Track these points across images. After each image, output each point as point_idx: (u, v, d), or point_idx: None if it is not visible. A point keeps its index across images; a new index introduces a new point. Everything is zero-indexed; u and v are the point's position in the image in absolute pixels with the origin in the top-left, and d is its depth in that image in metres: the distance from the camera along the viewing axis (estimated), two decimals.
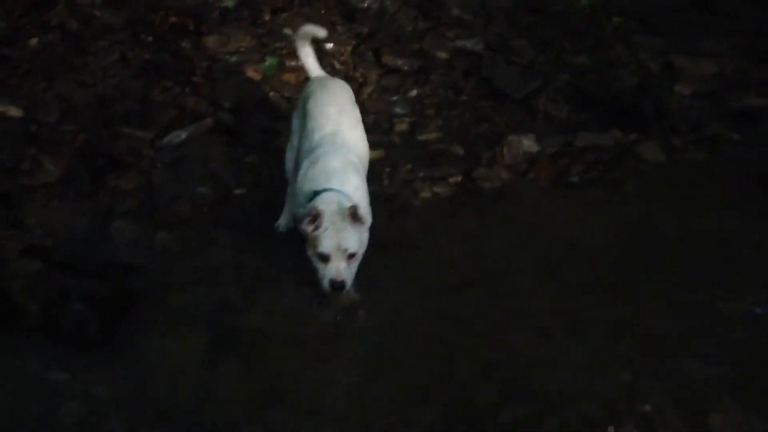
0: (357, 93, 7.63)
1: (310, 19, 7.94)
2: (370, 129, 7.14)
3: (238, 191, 6.79)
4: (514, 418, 4.84)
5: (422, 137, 7.56)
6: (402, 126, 7.68)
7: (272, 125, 7.57)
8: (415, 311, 5.65)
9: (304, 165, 5.64)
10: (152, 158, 7.10)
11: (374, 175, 6.73)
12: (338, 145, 5.72)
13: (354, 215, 5.22)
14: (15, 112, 7.28)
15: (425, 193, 6.85)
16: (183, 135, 7.34)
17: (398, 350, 5.40)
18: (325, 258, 5.23)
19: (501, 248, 5.78)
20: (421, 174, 7.05)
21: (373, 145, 6.82)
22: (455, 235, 6.32)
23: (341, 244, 5.21)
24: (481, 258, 5.83)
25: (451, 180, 6.99)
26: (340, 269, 5.22)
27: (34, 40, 8.16)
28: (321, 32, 6.50)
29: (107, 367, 5.17)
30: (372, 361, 5.38)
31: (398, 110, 7.81)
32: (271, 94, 7.89)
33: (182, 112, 7.63)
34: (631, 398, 5.03)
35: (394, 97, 7.98)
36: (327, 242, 5.19)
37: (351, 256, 5.27)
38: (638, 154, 7.27)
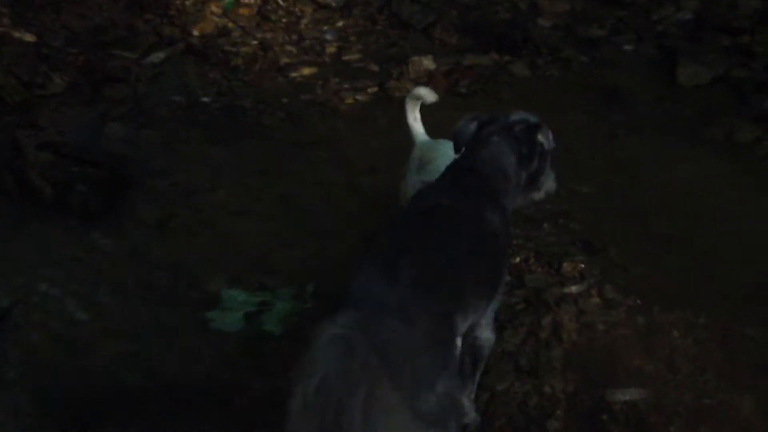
0: (296, 24, 7.61)
1: None
2: (307, 51, 7.15)
3: (204, 99, 6.73)
4: None
5: (347, 57, 7.53)
6: (331, 49, 7.63)
7: (230, 48, 7.53)
8: (340, 186, 5.62)
9: None
10: (137, 74, 7.00)
11: (309, 87, 6.75)
12: None
13: None
14: (30, 37, 7.14)
15: (349, 100, 6.84)
16: (161, 56, 7.29)
17: (322, 212, 5.46)
18: None
19: (406, 141, 5.81)
20: (346, 85, 7.02)
21: (308, 63, 6.82)
22: (372, 132, 6.34)
23: None
24: (392, 149, 5.84)
25: (369, 90, 6.97)
26: None
27: None
28: (431, 97, 4.87)
29: (105, 232, 5.17)
30: (303, 221, 5.42)
31: (328, 37, 7.76)
32: (230, 24, 7.74)
33: (160, 38, 7.56)
34: None
35: (325, 27, 7.91)
36: None
37: None
38: (510, 71, 7.32)
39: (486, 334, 3.52)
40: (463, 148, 3.76)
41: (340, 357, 2.56)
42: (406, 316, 2.80)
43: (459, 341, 3.21)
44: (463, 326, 3.22)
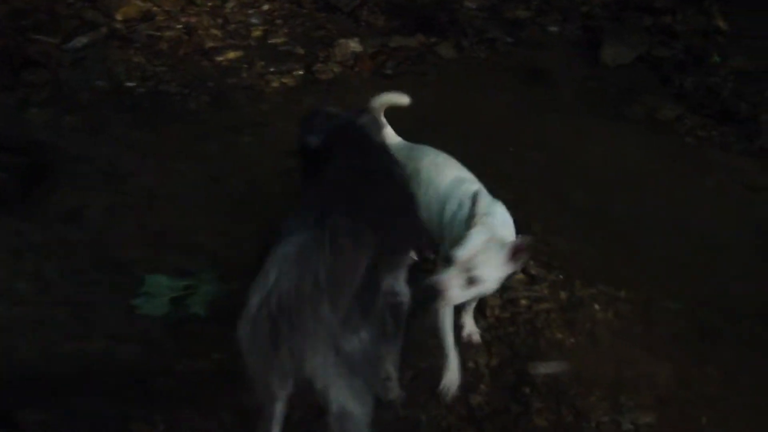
0: (221, 8, 7.58)
1: None
2: (232, 35, 7.12)
3: (128, 84, 6.65)
4: None
5: (273, 41, 7.48)
6: (257, 32, 7.57)
7: (154, 32, 7.43)
8: (266, 169, 5.63)
9: None
10: (59, 59, 6.87)
11: (235, 70, 6.72)
12: None
13: (518, 251, 3.62)
14: None
15: (275, 84, 6.82)
16: (84, 40, 7.15)
17: (248, 195, 5.47)
18: (449, 261, 3.63)
19: None
20: (272, 69, 6.99)
21: (234, 47, 6.81)
22: (298, 115, 6.26)
23: (474, 261, 3.58)
24: None
25: (295, 73, 6.95)
26: (448, 280, 3.58)
27: None
28: (403, 99, 4.52)
29: (25, 219, 5.06)
30: (228, 205, 5.40)
31: (254, 20, 7.70)
32: (154, 8, 7.67)
33: (82, 22, 7.40)
34: None
35: (251, 11, 7.85)
36: (465, 247, 3.61)
37: (473, 280, 3.60)
38: (436, 52, 7.37)
39: (402, 287, 3.62)
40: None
41: (294, 272, 2.76)
42: (340, 250, 2.86)
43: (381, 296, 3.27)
44: (384, 279, 3.34)
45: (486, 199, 3.88)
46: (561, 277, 4.82)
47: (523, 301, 4.59)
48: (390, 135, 4.53)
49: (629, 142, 6.40)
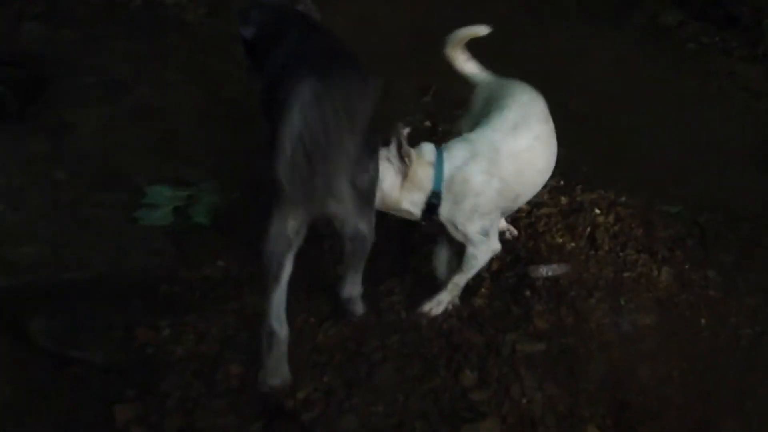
0: None
1: None
2: None
3: None
4: None
5: None
6: None
7: None
8: None
9: None
10: None
11: None
12: None
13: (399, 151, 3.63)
14: None
15: None
16: None
17: (246, 106, 5.26)
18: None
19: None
20: None
21: None
22: None
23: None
24: None
25: None
26: None
27: None
28: (481, 30, 4.24)
29: (29, 133, 5.04)
30: (226, 116, 5.40)
31: None
32: None
33: None
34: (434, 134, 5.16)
35: None
36: None
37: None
38: None
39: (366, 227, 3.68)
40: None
41: (317, 112, 3.04)
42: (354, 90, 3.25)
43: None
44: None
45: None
46: (561, 182, 4.85)
47: (524, 206, 4.59)
48: (476, 72, 4.30)
49: (631, 49, 6.36)
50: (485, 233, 3.83)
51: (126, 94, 5.49)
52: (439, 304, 4.01)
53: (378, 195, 3.59)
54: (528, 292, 4.20)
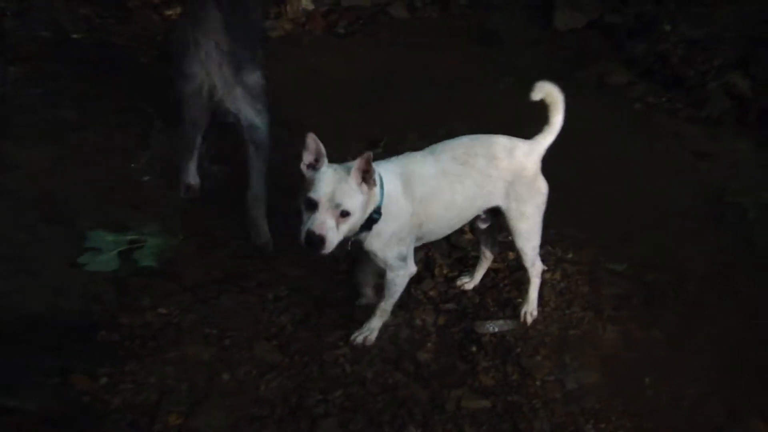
0: None
1: None
2: None
3: (75, 35, 6.49)
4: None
5: None
6: None
7: None
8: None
9: None
10: (3, 8, 6.65)
11: None
12: None
13: (363, 170, 3.50)
14: None
15: None
16: None
17: None
18: (312, 205, 3.52)
19: (286, 81, 5.78)
20: None
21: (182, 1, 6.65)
22: None
23: (336, 195, 3.50)
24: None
25: None
26: (324, 221, 3.48)
27: None
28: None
29: None
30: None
31: None
32: None
33: None
34: None
35: None
36: (320, 188, 3.50)
37: (343, 214, 3.51)
38: (388, 12, 7.33)
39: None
40: None
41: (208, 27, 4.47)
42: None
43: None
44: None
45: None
46: (509, 237, 4.79)
47: (471, 261, 4.57)
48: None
49: (580, 106, 6.34)
50: (402, 258, 3.85)
51: (74, 135, 5.37)
52: (372, 331, 4.07)
53: (357, 218, 3.56)
54: (474, 348, 4.17)
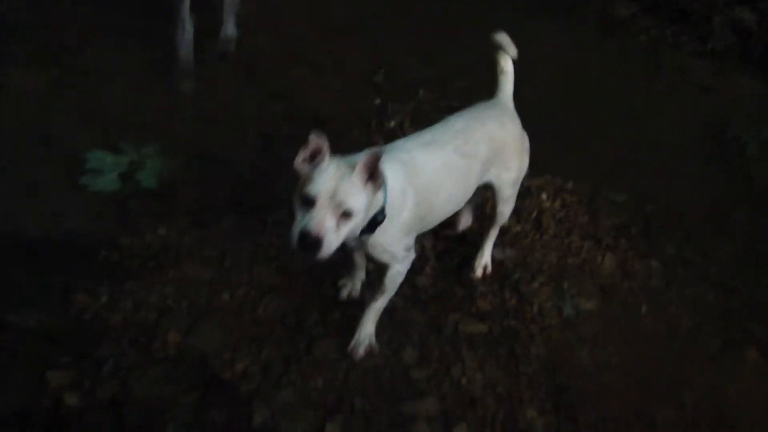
0: None
1: None
2: None
3: None
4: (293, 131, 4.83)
5: None
6: None
7: None
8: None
9: None
10: None
11: None
12: None
13: (370, 168, 3.01)
14: None
15: None
16: None
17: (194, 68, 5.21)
18: (309, 202, 2.99)
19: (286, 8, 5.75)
20: None
21: None
22: None
23: (339, 193, 2.98)
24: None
25: None
26: (322, 221, 2.95)
27: None
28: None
29: None
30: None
31: None
32: None
33: None
34: (384, 111, 5.15)
35: None
36: (320, 183, 2.98)
37: (345, 215, 3.00)
38: None
39: None
40: None
41: None
42: None
43: None
44: None
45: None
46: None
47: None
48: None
49: (582, 39, 6.36)
50: (408, 249, 3.48)
51: (70, 58, 5.32)
52: (370, 338, 3.70)
53: (359, 221, 3.07)
54: (472, 273, 4.16)
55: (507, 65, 3.94)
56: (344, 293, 3.98)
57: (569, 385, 3.68)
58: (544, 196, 4.67)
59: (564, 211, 4.63)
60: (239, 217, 4.31)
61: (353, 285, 3.98)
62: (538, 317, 4.00)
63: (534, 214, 4.58)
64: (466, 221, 4.41)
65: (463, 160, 3.55)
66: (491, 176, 3.80)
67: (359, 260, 3.91)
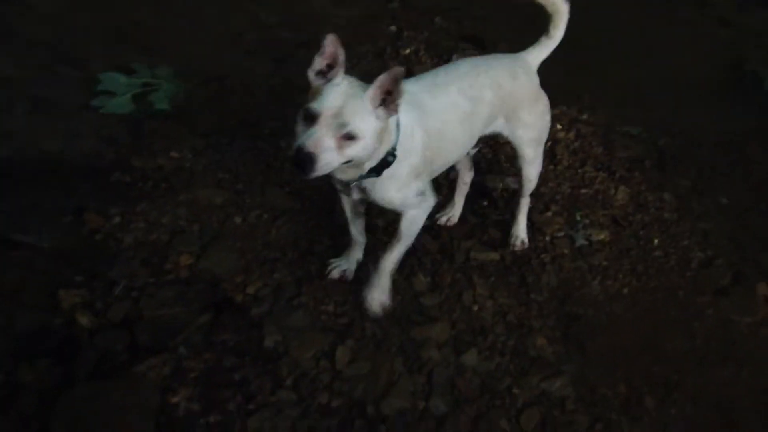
0: None
1: None
2: None
3: None
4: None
5: None
6: None
7: None
8: None
9: None
10: None
11: None
12: None
13: (388, 88, 2.80)
14: None
15: None
16: None
17: None
18: (311, 118, 2.79)
19: None
20: None
21: None
22: None
23: (344, 112, 2.78)
24: None
25: None
26: (320, 139, 2.75)
27: None
28: None
29: None
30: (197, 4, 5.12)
31: None
32: None
33: None
34: (399, 39, 5.06)
35: None
36: (326, 99, 2.79)
37: (348, 137, 2.79)
38: None
39: None
40: None
41: None
42: None
43: None
44: None
45: None
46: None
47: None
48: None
49: None
50: (421, 193, 3.26)
51: None
52: (385, 292, 3.46)
53: (364, 148, 2.87)
54: (485, 202, 4.15)
55: (555, 31, 3.84)
56: (335, 273, 3.66)
57: (579, 314, 3.66)
58: (558, 126, 4.62)
59: (578, 142, 4.58)
60: (252, 141, 4.27)
61: (349, 265, 3.68)
62: (549, 246, 3.98)
63: (548, 144, 4.51)
64: (453, 218, 4.14)
65: (467, 102, 3.38)
66: (502, 128, 3.62)
67: (359, 237, 3.65)
